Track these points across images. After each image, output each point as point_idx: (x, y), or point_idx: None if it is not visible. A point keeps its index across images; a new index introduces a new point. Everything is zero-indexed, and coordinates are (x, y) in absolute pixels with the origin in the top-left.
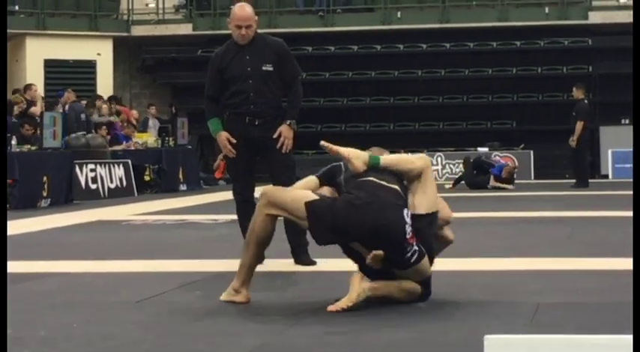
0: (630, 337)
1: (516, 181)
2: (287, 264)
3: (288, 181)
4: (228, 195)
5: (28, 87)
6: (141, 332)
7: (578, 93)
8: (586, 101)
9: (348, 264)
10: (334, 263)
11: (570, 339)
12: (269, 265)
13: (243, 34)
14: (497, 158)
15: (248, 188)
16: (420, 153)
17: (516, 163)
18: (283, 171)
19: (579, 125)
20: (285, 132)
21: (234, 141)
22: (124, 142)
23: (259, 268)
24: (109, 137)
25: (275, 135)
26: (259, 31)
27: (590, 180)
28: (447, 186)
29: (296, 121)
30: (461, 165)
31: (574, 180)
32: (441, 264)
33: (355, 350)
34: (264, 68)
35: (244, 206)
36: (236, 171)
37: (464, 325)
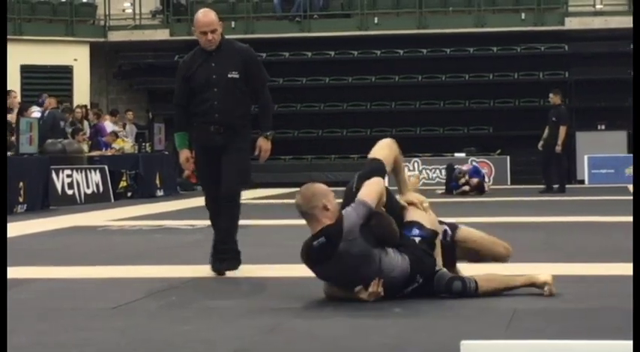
0: (606, 342)
1: (493, 186)
2: (252, 270)
3: (232, 185)
4: (193, 202)
5: (7, 93)
6: (118, 339)
7: (555, 99)
8: (563, 106)
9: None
10: (292, 268)
11: (546, 345)
12: (236, 271)
13: (209, 40)
14: (463, 169)
15: (217, 199)
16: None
17: (477, 176)
18: (231, 176)
19: (563, 130)
20: (264, 146)
21: (191, 166)
22: (104, 149)
23: (234, 273)
24: (90, 142)
25: (256, 153)
26: (236, 36)
27: (566, 186)
28: (439, 192)
29: (271, 131)
30: (438, 171)
31: (548, 186)
32: None
33: None
34: (229, 76)
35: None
36: (206, 183)
37: (440, 330)
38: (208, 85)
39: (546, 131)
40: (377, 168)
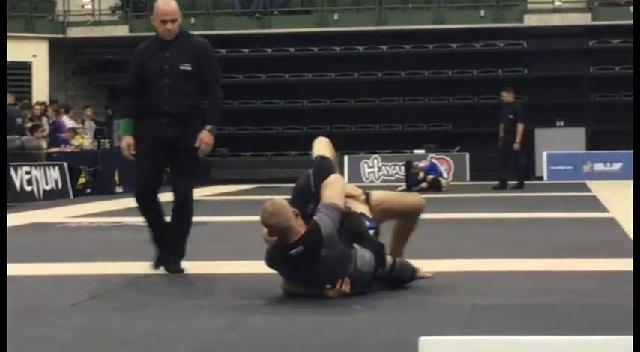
0: (564, 338)
1: (452, 183)
2: (210, 267)
3: (183, 189)
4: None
5: None
6: (76, 336)
7: (508, 97)
8: (517, 103)
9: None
10: (250, 265)
11: (504, 340)
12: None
13: (169, 29)
14: (420, 165)
15: (151, 191)
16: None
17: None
18: (183, 178)
19: (521, 127)
20: (206, 139)
21: (133, 151)
22: (62, 145)
23: (194, 270)
24: (49, 139)
25: (197, 144)
26: (196, 32)
27: (525, 182)
28: (399, 189)
29: (216, 126)
30: (397, 168)
31: (502, 183)
32: None
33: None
34: (181, 67)
35: (149, 216)
36: (144, 171)
37: (398, 326)
38: (160, 75)
39: (502, 129)
40: (330, 166)
